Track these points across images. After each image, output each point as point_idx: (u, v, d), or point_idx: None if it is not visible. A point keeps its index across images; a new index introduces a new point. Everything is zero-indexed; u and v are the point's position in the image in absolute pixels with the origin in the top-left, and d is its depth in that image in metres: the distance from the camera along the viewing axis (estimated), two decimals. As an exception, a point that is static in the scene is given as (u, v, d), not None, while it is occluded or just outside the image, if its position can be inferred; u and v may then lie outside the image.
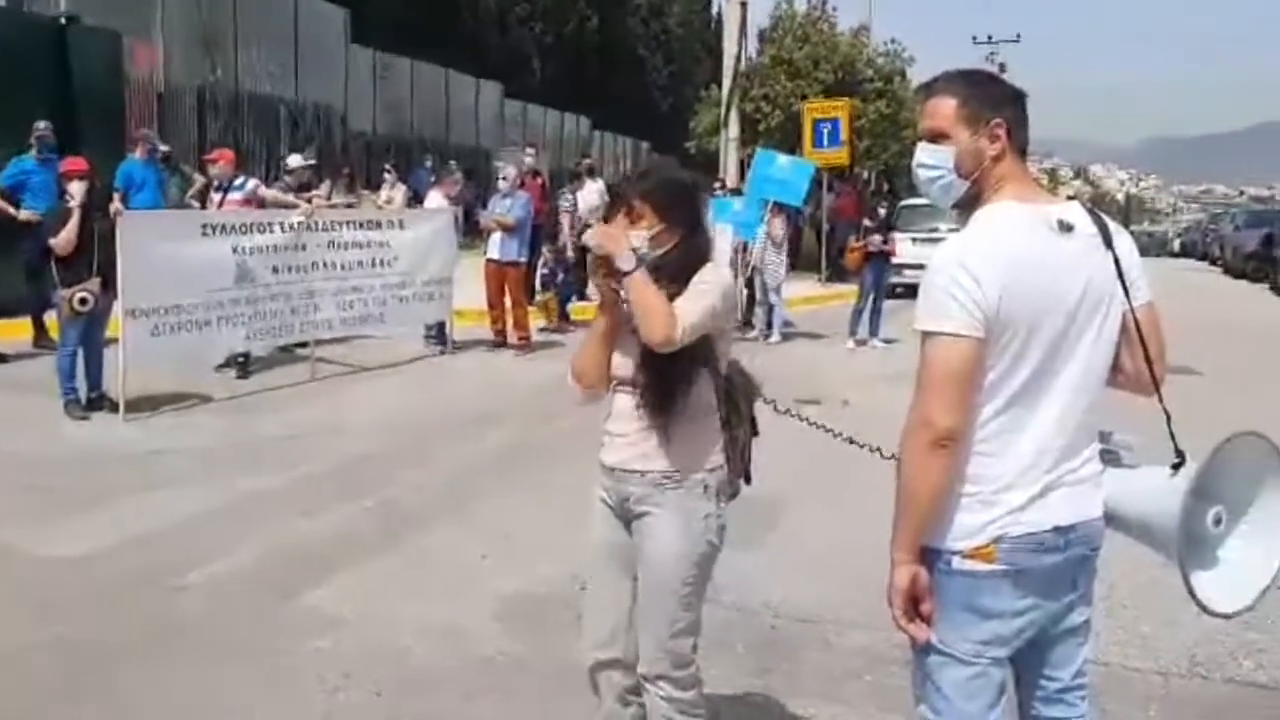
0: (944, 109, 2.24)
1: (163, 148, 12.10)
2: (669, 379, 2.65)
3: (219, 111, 19.58)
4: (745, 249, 13.00)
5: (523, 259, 11.36)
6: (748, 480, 2.89)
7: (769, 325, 12.89)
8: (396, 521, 5.58)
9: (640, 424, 2.70)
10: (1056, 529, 2.14)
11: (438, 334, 11.04)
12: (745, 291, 13.41)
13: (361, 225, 9.99)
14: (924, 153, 2.28)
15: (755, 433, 2.90)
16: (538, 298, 12.71)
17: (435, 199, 11.76)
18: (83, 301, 7.42)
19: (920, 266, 2.36)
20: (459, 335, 11.24)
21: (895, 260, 12.99)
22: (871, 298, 12.51)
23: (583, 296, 12.92)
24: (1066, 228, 2.16)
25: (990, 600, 2.14)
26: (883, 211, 13.61)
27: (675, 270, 2.67)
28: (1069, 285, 2.13)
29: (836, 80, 22.85)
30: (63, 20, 12.94)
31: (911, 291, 2.65)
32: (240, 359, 9.10)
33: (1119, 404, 2.33)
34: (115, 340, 7.70)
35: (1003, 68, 34.23)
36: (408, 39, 26.55)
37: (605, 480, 2.81)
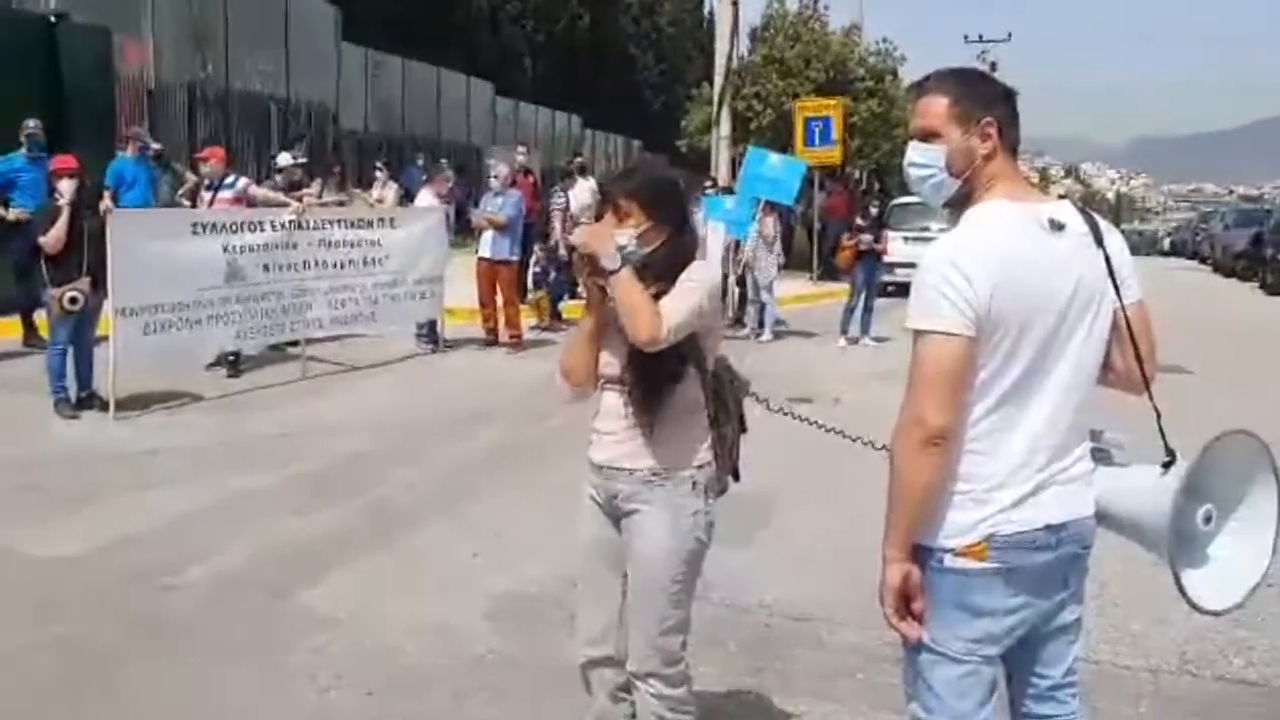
0: (935, 108, 2.24)
1: (154, 146, 12.05)
2: (656, 377, 2.66)
3: (209, 109, 19.51)
4: (737, 247, 13.01)
5: (514, 257, 11.35)
6: (736, 477, 2.90)
7: (760, 324, 12.90)
8: (388, 520, 5.58)
9: (628, 422, 2.71)
10: (1048, 527, 2.15)
11: (429, 332, 11.02)
12: (737, 290, 13.43)
13: (353, 224, 9.97)
14: (915, 151, 2.28)
15: (743, 430, 2.91)
16: (529, 296, 12.70)
17: (427, 197, 11.74)
18: (73, 300, 7.39)
19: (912, 265, 2.37)
20: (450, 334, 11.23)
21: (887, 259, 12.99)
22: (863, 296, 12.52)
23: (574, 295, 12.91)
24: (1058, 226, 2.17)
25: (982, 598, 2.14)
26: (874, 210, 13.63)
27: (662, 268, 2.68)
28: (1060, 284, 2.14)
29: (828, 79, 22.87)
30: (52, 17, 12.86)
31: (903, 290, 2.66)
32: (231, 358, 9.07)
33: (1110, 402, 2.33)
34: (105, 339, 7.68)
35: (994, 66, 34.28)
36: (399, 37, 26.51)
37: (594, 478, 2.82)
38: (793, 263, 17.92)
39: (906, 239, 15.58)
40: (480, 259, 11.17)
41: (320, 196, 11.51)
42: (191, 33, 19.01)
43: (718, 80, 20.06)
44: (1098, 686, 3.56)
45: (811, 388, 8.77)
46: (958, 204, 2.26)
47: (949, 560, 2.14)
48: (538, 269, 12.89)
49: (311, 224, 9.40)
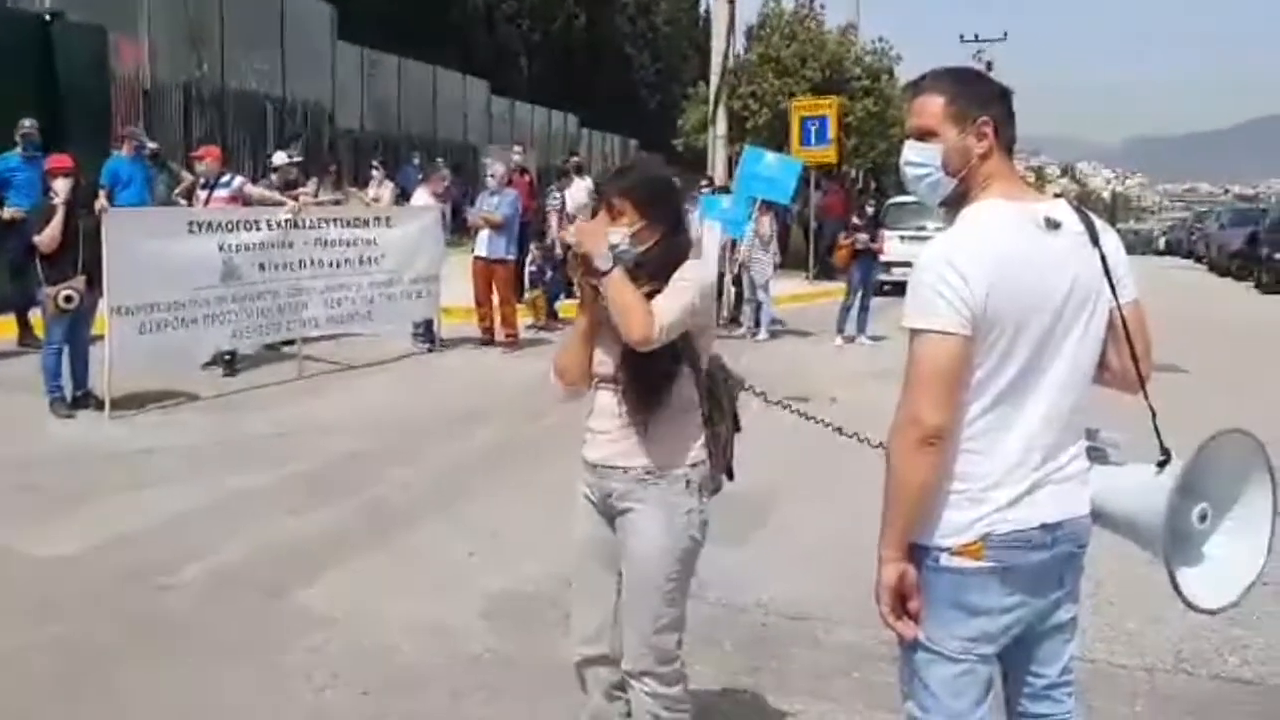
0: (931, 107, 2.24)
1: (151, 145, 12.04)
2: (649, 376, 2.66)
3: (205, 108, 19.49)
4: (733, 247, 13.01)
5: (511, 256, 11.35)
6: (730, 476, 2.90)
7: (757, 323, 12.90)
8: (384, 519, 5.57)
9: (622, 421, 2.71)
10: (1044, 526, 2.15)
11: (425, 332, 11.02)
12: (733, 289, 13.44)
13: (349, 223, 9.96)
14: (911, 150, 2.28)
15: (737, 428, 2.91)
16: (525, 295, 12.69)
17: (423, 196, 11.73)
18: (68, 299, 7.38)
19: (908, 264, 2.37)
20: (446, 333, 11.22)
21: (883, 258, 13.00)
22: (859, 295, 12.53)
23: (570, 294, 12.88)
24: (1053, 225, 2.17)
25: (978, 597, 2.15)
26: (870, 209, 13.64)
27: (656, 267, 2.68)
28: (1056, 283, 2.14)
29: (824, 78, 22.88)
30: (47, 16, 12.85)
31: (899, 289, 2.66)
32: (227, 357, 9.07)
33: (1105, 401, 2.34)
34: (101, 338, 7.67)
35: (989, 66, 34.32)
36: (395, 36, 26.49)
37: (588, 476, 2.82)
38: (789, 262, 17.96)
39: (903, 238, 15.60)
40: (476, 258, 11.16)
41: (316, 196, 11.49)
42: (187, 32, 18.98)
43: (714, 79, 20.04)
44: (1093, 685, 3.56)
45: (808, 387, 8.77)
46: (954, 203, 2.26)
47: (945, 559, 2.14)
48: (534, 268, 12.88)
49: (307, 223, 9.39)
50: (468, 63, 30.66)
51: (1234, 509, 2.25)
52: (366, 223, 10.15)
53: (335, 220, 9.88)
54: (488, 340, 11.20)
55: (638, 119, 40.26)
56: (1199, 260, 33.03)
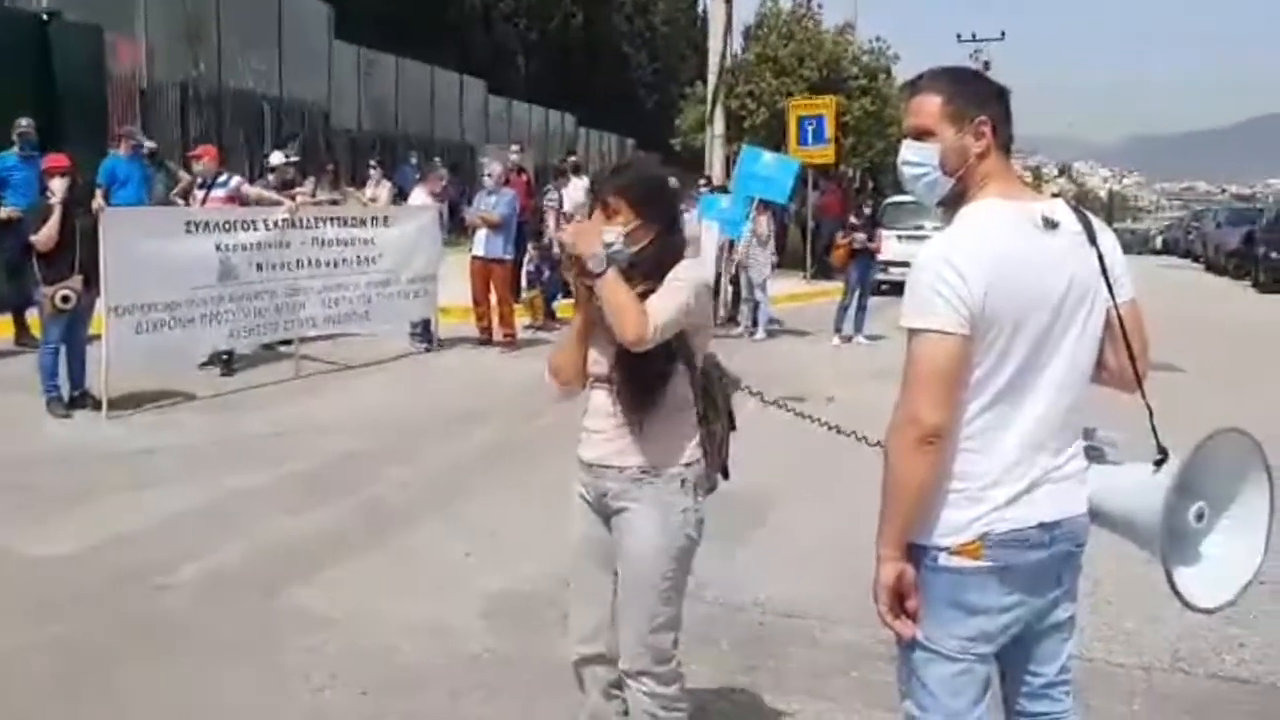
0: (929, 106, 2.24)
1: (149, 145, 12.03)
2: (644, 375, 2.66)
3: (202, 108, 19.47)
4: (731, 247, 13.01)
5: (508, 256, 11.34)
6: (725, 475, 2.90)
7: (754, 322, 12.90)
8: (382, 519, 5.57)
9: (617, 420, 2.72)
10: (1042, 525, 2.15)
11: (423, 331, 11.01)
12: (730, 289, 13.44)
13: (346, 222, 9.94)
14: (909, 150, 2.28)
15: (733, 427, 2.91)
16: (523, 295, 12.68)
17: (420, 196, 11.73)
18: (65, 299, 7.37)
19: (905, 264, 2.37)
20: (444, 332, 11.21)
21: (880, 257, 13.01)
22: (857, 295, 12.53)
23: (568, 294, 12.85)
24: (1051, 224, 2.17)
25: (976, 596, 2.15)
26: (868, 209, 13.64)
27: (650, 266, 2.68)
28: (1054, 282, 2.14)
29: (821, 78, 22.87)
30: (44, 15, 12.83)
31: (897, 289, 2.66)
32: (224, 357, 9.06)
33: (1103, 400, 2.34)
34: (98, 338, 7.66)
35: (987, 65, 34.30)
36: (392, 35, 26.49)
37: (583, 476, 2.83)
38: (786, 261, 17.95)
39: (900, 237, 15.58)
40: (474, 258, 11.15)
41: (313, 195, 11.49)
42: (184, 31, 18.97)
43: (711, 79, 20.06)
44: (1091, 684, 3.57)
45: (805, 386, 8.77)
46: (951, 202, 2.26)
47: (943, 559, 2.14)
48: (531, 268, 12.87)
49: (305, 223, 9.38)
50: (465, 62, 30.65)
51: (1231, 508, 2.25)
52: (364, 222, 10.14)
53: (332, 220, 9.87)
54: (485, 340, 11.19)
55: (635, 118, 40.26)
56: (1196, 259, 33.07)
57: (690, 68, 36.26)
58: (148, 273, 7.72)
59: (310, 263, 9.34)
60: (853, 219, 13.21)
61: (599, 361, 2.75)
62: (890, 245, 13.92)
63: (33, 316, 9.14)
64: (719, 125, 20.08)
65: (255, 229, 8.83)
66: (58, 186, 7.54)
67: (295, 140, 17.57)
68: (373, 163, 15.17)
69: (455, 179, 17.27)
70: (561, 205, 13.06)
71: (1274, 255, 21.50)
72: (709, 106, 20.55)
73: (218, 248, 8.44)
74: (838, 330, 12.56)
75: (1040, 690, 2.33)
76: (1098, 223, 2.28)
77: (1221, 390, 8.75)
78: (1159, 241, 51.77)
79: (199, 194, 9.72)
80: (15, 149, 9.81)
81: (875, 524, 2.17)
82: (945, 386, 2.07)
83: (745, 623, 4.29)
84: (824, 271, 18.56)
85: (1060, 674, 2.34)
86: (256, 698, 3.65)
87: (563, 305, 12.92)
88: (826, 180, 22.22)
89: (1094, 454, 2.28)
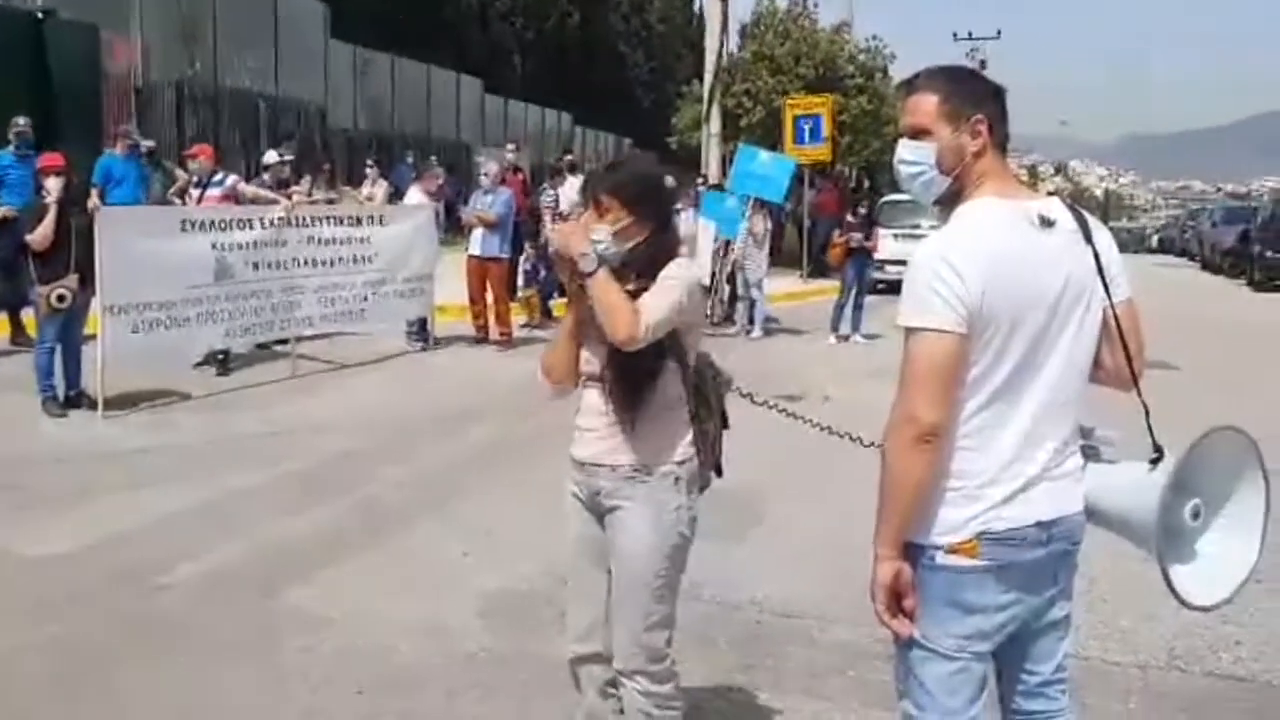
0: (925, 105, 2.24)
1: (146, 144, 12.01)
2: (636, 374, 2.66)
3: (198, 107, 19.44)
4: (727, 246, 13.01)
5: (505, 255, 11.34)
6: (719, 473, 2.90)
7: (750, 321, 12.91)
8: (378, 519, 5.57)
9: (609, 418, 2.72)
10: (1038, 524, 2.15)
11: (419, 330, 11.00)
12: (727, 287, 13.44)
13: (342, 221, 9.93)
14: (905, 149, 2.28)
15: (725, 425, 2.91)
16: (519, 294, 12.68)
17: (416, 195, 11.72)
18: (60, 298, 7.36)
19: (902, 263, 2.38)
20: (440, 331, 11.21)
21: (877, 256, 13.02)
22: (853, 293, 12.54)
23: (564, 293, 12.86)
24: (1047, 223, 2.17)
25: (973, 595, 2.15)
26: (864, 208, 13.65)
27: (643, 265, 2.68)
28: (1050, 280, 2.14)
29: (818, 76, 22.88)
30: (39, 14, 12.82)
31: (894, 287, 2.66)
32: (220, 356, 9.04)
33: (1099, 399, 2.34)
34: (93, 337, 7.65)
35: (983, 64, 34.34)
36: (388, 34, 26.46)
37: (576, 475, 2.83)
38: (783, 260, 17.97)
39: (897, 236, 15.61)
40: (470, 256, 11.16)
41: (309, 194, 11.49)
42: (180, 30, 18.94)
43: (707, 77, 20.08)
44: (1087, 682, 3.57)
45: (801, 385, 8.78)
46: (948, 201, 2.26)
47: (940, 557, 2.14)
48: (528, 266, 12.87)
49: (301, 222, 9.37)
50: (461, 61, 30.61)
51: (1227, 506, 2.26)
52: (360, 221, 10.13)
53: (329, 219, 9.86)
54: (482, 339, 11.20)
55: (632, 117, 40.21)
56: (1191, 258, 33.11)
57: (686, 66, 36.24)
58: (143, 272, 7.71)
59: (306, 262, 9.33)
60: (849, 218, 13.24)
61: (591, 360, 2.75)
62: (887, 244, 13.94)
63: (28, 316, 9.11)
64: (715, 124, 20.10)
65: (251, 228, 8.81)
66: (53, 185, 7.53)
67: (291, 139, 17.58)
68: (369, 162, 15.17)
69: (451, 178, 17.24)
70: (557, 204, 13.06)
71: (1269, 254, 21.54)
72: (705, 105, 20.57)
73: (213, 247, 8.42)
74: (834, 329, 12.56)
75: (1036, 689, 2.33)
76: (1093, 221, 2.29)
77: (1217, 389, 8.76)
78: (1155, 240, 51.85)
79: (194, 193, 9.71)
80: (11, 148, 9.79)
81: (871, 523, 2.17)
82: (942, 385, 2.07)
83: (742, 621, 4.29)
84: (820, 270, 18.56)
85: (1056, 672, 2.34)
86: (253, 697, 3.64)
87: (559, 304, 12.91)
88: (823, 179, 22.24)
89: (1090, 452, 2.29)
